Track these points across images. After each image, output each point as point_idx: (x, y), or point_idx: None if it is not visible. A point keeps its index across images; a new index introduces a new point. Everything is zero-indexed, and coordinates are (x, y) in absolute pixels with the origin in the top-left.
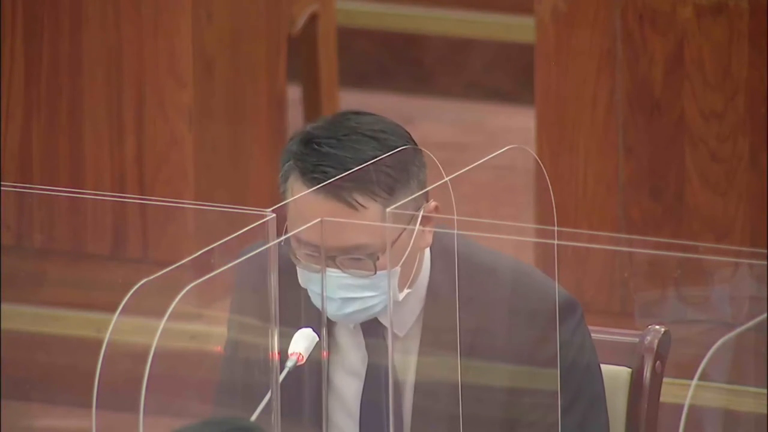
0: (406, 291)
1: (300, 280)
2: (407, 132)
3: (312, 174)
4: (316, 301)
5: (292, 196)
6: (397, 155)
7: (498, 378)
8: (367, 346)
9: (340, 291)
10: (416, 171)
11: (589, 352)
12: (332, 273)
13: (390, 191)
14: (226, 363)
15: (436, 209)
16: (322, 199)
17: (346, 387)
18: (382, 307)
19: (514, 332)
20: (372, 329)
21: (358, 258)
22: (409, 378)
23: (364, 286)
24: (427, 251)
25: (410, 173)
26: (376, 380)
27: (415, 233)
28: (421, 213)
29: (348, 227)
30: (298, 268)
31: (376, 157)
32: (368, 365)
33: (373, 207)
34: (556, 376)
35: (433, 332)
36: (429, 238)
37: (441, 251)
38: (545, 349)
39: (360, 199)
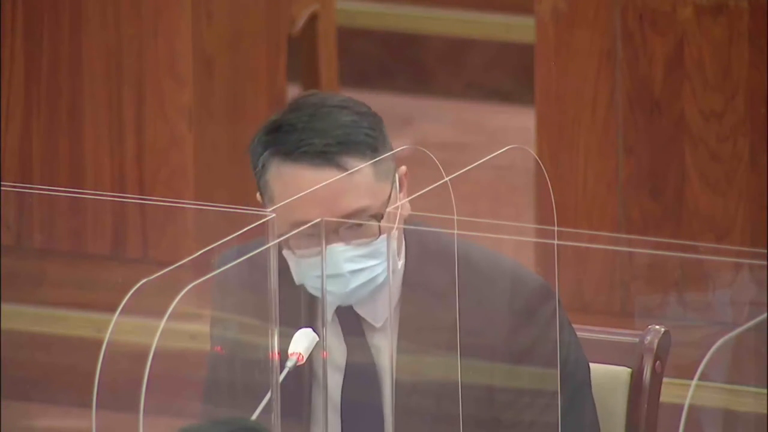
0: (401, 261)
1: (296, 277)
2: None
3: (299, 150)
4: (316, 289)
5: (281, 183)
6: (368, 119)
7: (471, 372)
8: (345, 340)
9: (347, 264)
10: (387, 135)
11: (567, 342)
12: (337, 247)
13: (374, 149)
14: (209, 361)
15: (406, 174)
16: (315, 170)
17: (328, 381)
18: (384, 276)
19: (482, 323)
20: (349, 322)
21: (359, 226)
22: (388, 369)
23: (368, 255)
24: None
25: (383, 133)
26: (355, 373)
27: (399, 195)
28: (396, 176)
29: (346, 193)
30: (291, 264)
31: (353, 122)
32: (347, 358)
33: (363, 168)
34: (533, 371)
35: (411, 323)
36: (408, 207)
37: (415, 243)
38: (518, 342)
39: (350, 161)
